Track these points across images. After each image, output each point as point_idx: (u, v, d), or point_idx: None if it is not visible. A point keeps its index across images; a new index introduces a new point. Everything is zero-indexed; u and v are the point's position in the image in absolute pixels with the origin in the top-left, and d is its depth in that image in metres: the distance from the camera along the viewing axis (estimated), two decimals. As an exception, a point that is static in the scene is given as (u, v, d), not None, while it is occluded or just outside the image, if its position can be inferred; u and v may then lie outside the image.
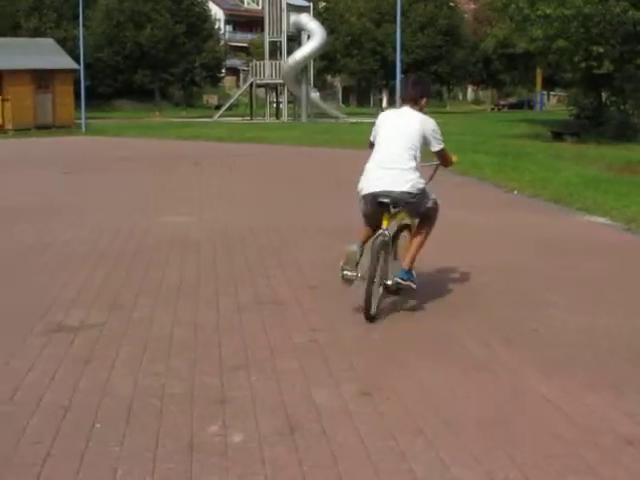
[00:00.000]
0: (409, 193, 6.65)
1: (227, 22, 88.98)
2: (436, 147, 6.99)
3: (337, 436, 4.34)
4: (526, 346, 5.96)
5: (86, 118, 38.87)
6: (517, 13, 31.18)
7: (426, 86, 7.42)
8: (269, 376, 5.26)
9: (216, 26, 72.42)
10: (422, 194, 6.82)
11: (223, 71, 75.91)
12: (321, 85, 66.80)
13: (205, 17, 68.72)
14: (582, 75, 34.71)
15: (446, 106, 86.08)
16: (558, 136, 31.83)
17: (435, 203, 7.06)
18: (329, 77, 77.42)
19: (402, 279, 6.79)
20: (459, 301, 7.33)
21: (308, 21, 52.18)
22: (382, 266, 6.70)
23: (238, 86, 72.63)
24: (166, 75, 65.66)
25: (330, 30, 60.24)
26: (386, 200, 6.60)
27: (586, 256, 9.49)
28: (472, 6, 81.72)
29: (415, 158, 6.74)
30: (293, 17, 51.78)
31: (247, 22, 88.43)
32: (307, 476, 3.91)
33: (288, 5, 51.61)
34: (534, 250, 9.83)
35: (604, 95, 37.50)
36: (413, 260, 6.96)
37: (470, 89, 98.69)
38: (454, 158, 7.31)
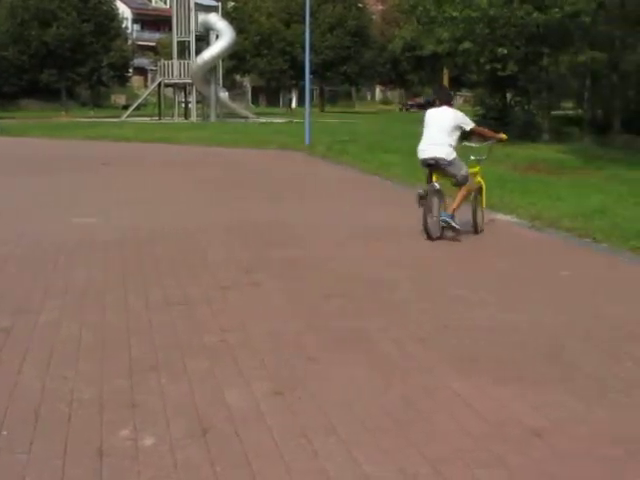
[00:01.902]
0: (442, 158, 10.36)
1: (135, 21, 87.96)
2: (467, 127, 10.60)
3: (249, 436, 4.33)
4: (438, 343, 6.03)
5: (-11, 118, 37.94)
6: (424, 15, 31.61)
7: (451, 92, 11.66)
8: (180, 377, 5.21)
9: (123, 25, 71.37)
10: (453, 163, 10.47)
11: (131, 71, 74.94)
12: (230, 85, 66.55)
13: (112, 16, 67.64)
14: (487, 76, 35.35)
15: (355, 106, 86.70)
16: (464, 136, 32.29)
17: (465, 176, 10.61)
18: (238, 77, 77.20)
19: (446, 219, 10.32)
20: (370, 299, 7.38)
21: (217, 21, 51.91)
22: (435, 206, 10.38)
23: (146, 86, 71.86)
24: (73, 74, 64.44)
25: (239, 30, 60.06)
26: (432, 162, 10.46)
27: (493, 253, 9.68)
28: (380, 7, 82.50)
29: (449, 138, 10.43)
30: (201, 16, 51.44)
31: (155, 21, 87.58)
32: (220, 477, 3.88)
33: (196, 4, 51.25)
34: (443, 247, 9.97)
35: (509, 96, 38.25)
36: (455, 209, 10.47)
37: (378, 89, 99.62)
38: (503, 136, 11.24)
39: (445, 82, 73.16)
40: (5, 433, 4.35)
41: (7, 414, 4.60)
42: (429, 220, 10.24)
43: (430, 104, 12.32)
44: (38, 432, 4.37)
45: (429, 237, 10.19)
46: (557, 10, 28.06)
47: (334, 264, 8.87)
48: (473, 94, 49.53)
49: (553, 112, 34.90)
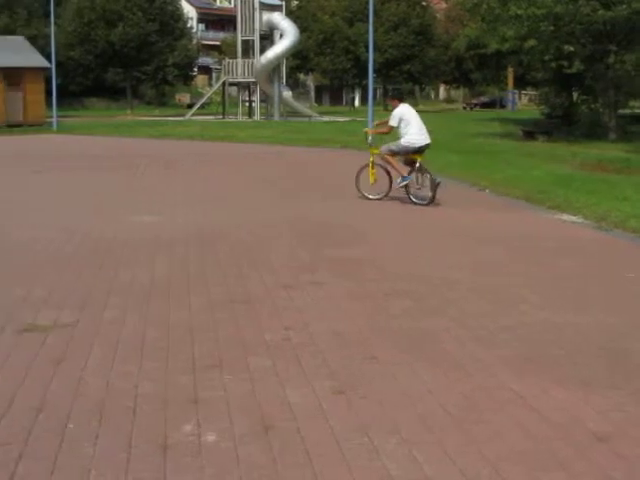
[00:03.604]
0: (430, 142, 13.70)
1: (200, 20, 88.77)
2: None
3: (311, 435, 4.34)
4: (499, 343, 5.98)
5: (57, 116, 38.60)
6: (488, 13, 31.29)
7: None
8: (242, 375, 5.25)
9: (188, 25, 72.06)
10: None
11: (195, 70, 75.66)
12: (293, 84, 66.78)
13: (178, 16, 68.39)
14: (553, 74, 34.91)
15: (418, 105, 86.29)
16: (529, 135, 31.95)
17: None
18: (302, 76, 77.41)
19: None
20: (433, 299, 7.35)
21: (280, 20, 52.14)
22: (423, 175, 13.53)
23: (210, 85, 72.51)
24: (138, 73, 65.33)
25: (302, 29, 60.24)
26: (426, 146, 13.63)
27: (558, 254, 9.56)
28: (444, 5, 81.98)
29: None
30: (265, 16, 51.73)
31: (219, 21, 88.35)
32: (281, 475, 3.90)
33: (260, 4, 51.55)
34: (505, 248, 9.89)
35: (575, 94, 37.73)
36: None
37: (442, 88, 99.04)
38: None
39: (510, 81, 72.77)
40: (71, 426, 4.43)
41: (73, 408, 4.68)
42: (421, 191, 13.57)
43: (401, 98, 14.05)
44: (103, 426, 4.44)
45: (428, 203, 13.27)
46: (624, 7, 27.58)
47: (396, 263, 8.85)
48: (538, 92, 49.00)
49: (620, 111, 34.27)
